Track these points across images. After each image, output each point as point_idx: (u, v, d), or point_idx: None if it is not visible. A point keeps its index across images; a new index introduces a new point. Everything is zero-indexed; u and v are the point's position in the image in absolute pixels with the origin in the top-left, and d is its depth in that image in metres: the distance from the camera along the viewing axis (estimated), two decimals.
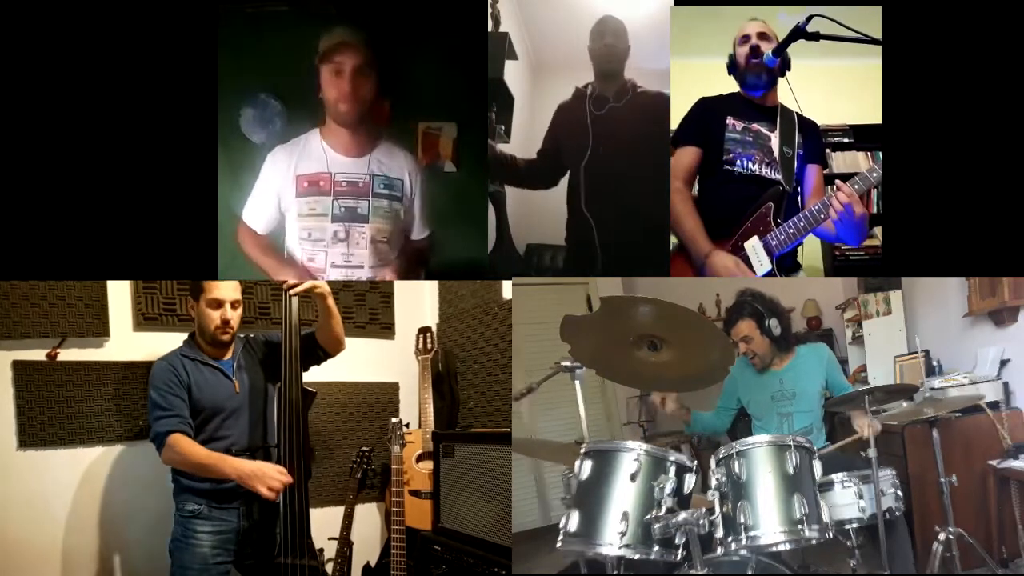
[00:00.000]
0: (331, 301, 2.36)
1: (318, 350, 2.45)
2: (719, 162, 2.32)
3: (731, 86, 2.39)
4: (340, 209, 2.23)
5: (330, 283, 2.32)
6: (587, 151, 2.43)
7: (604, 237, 2.43)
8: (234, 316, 2.33)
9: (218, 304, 2.30)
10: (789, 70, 2.30)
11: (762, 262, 2.24)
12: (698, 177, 2.40)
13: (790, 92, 2.31)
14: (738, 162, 2.31)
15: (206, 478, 2.24)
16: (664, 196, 2.36)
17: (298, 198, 2.23)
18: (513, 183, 2.53)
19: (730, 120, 2.32)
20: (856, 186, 2.13)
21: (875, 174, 2.15)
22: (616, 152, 2.43)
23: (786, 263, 2.31)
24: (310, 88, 2.22)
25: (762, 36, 2.27)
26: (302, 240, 2.25)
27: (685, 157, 2.35)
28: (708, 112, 2.34)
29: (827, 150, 3.03)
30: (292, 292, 2.25)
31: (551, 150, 2.51)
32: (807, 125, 2.38)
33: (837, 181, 2.20)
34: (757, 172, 2.31)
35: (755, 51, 2.26)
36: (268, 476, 2.13)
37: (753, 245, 2.25)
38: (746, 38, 2.29)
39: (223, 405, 2.31)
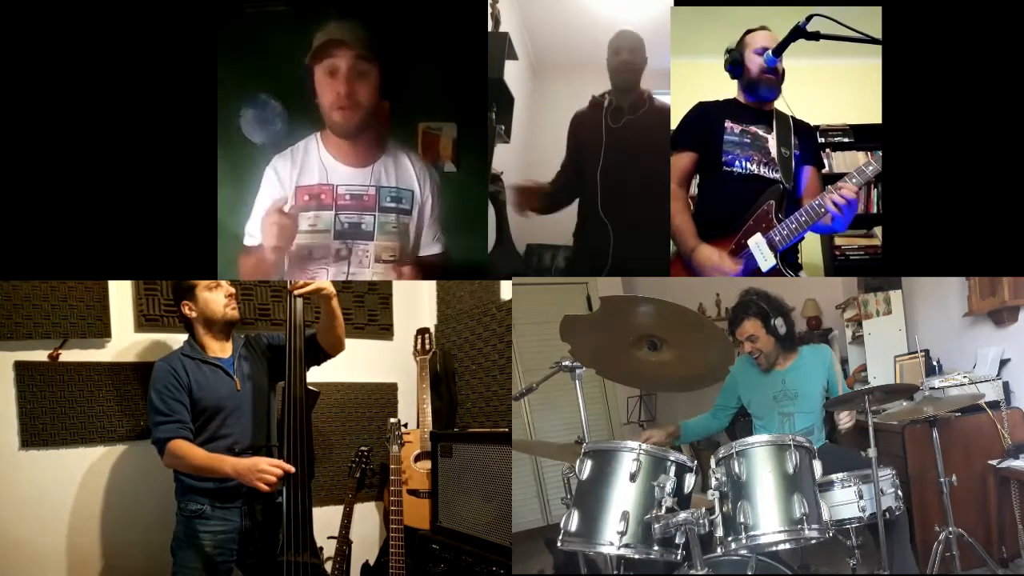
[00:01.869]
0: (336, 303, 2.35)
1: (319, 351, 2.45)
2: (718, 163, 2.34)
3: (730, 85, 2.40)
4: (343, 225, 2.07)
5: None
6: (601, 159, 2.43)
7: (617, 239, 2.44)
8: (233, 292, 2.37)
9: (217, 285, 2.33)
10: (783, 80, 2.32)
11: (766, 258, 2.26)
12: (698, 179, 2.42)
13: (783, 98, 2.34)
14: (736, 163, 2.33)
15: (209, 477, 2.24)
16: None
17: (298, 212, 2.08)
18: (545, 210, 2.52)
19: (728, 123, 2.34)
20: (854, 179, 2.15)
21: (871, 167, 2.16)
22: (630, 159, 2.44)
23: (788, 259, 2.32)
24: (306, 91, 2.13)
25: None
26: (302, 259, 2.10)
27: (681, 161, 2.38)
28: (706, 116, 2.37)
29: (827, 150, 3.04)
30: (298, 293, 2.21)
31: (571, 162, 2.52)
32: (802, 128, 2.40)
33: (837, 183, 2.20)
34: (756, 172, 2.32)
35: (771, 69, 2.28)
36: (263, 470, 2.12)
37: (756, 242, 2.27)
38: (763, 49, 2.29)
39: (224, 403, 2.31)
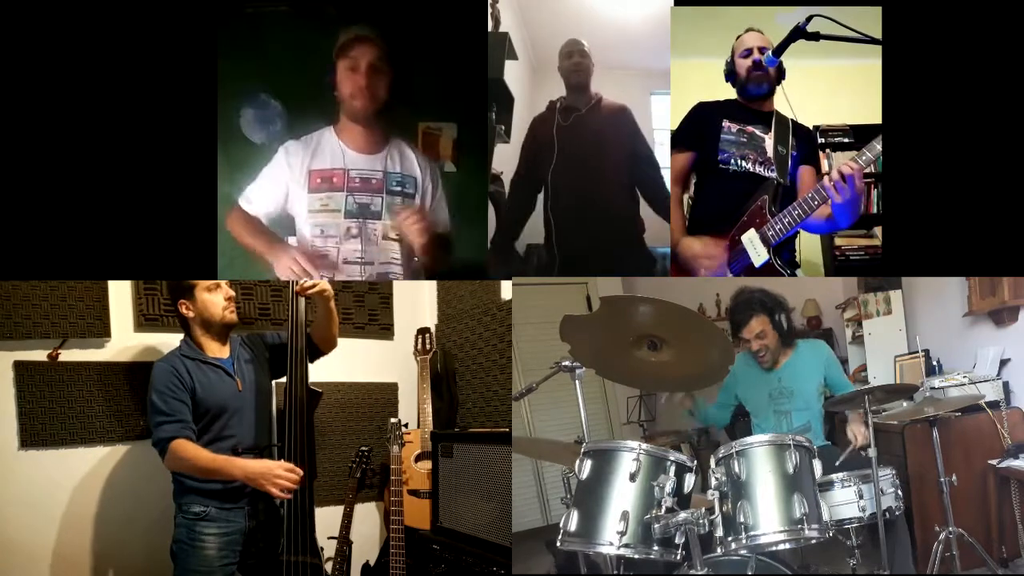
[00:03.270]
0: (333, 303, 2.39)
1: (313, 348, 2.45)
2: (715, 162, 2.36)
3: (729, 88, 2.41)
4: (353, 205, 2.22)
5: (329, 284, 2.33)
6: (554, 158, 2.52)
7: (565, 237, 2.52)
8: (233, 295, 2.38)
9: (216, 287, 2.33)
10: (784, 79, 2.33)
11: (759, 253, 2.26)
12: (695, 178, 2.45)
13: (786, 101, 2.35)
14: (732, 161, 2.35)
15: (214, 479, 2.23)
16: (623, 193, 2.51)
17: (310, 194, 2.22)
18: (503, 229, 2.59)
19: (726, 123, 2.36)
20: (864, 157, 2.10)
21: (877, 148, 2.10)
22: (581, 155, 2.53)
23: (784, 256, 2.33)
24: (311, 88, 2.22)
25: (763, 50, 2.30)
26: (314, 237, 2.23)
27: (679, 161, 2.42)
28: (704, 116, 2.39)
29: (827, 150, 3.04)
30: (307, 293, 2.28)
31: (525, 169, 2.60)
32: (801, 130, 2.41)
33: (841, 163, 2.17)
34: (751, 170, 2.34)
35: (757, 65, 2.30)
36: (277, 476, 2.13)
37: (750, 238, 2.28)
38: (748, 51, 2.32)
39: (227, 404, 2.30)
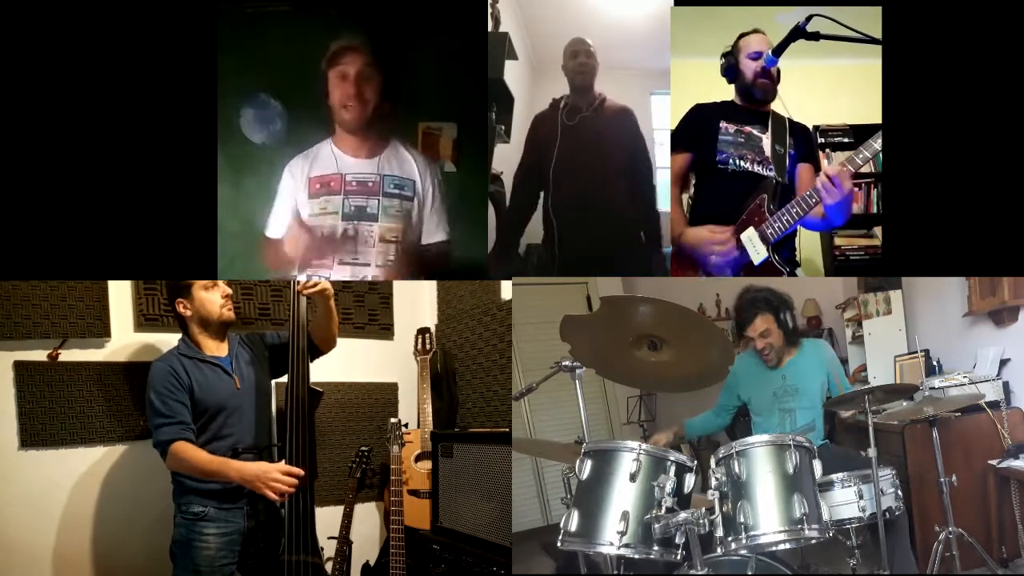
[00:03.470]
0: (333, 302, 2.39)
1: (312, 347, 2.45)
2: (713, 162, 2.36)
3: (728, 88, 2.41)
4: (350, 208, 2.25)
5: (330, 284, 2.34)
6: (556, 156, 2.53)
7: (566, 236, 2.53)
8: (230, 293, 2.39)
9: (213, 285, 2.34)
10: (779, 80, 2.33)
11: (759, 251, 2.27)
12: (694, 178, 2.45)
13: (780, 100, 2.35)
14: (730, 161, 2.35)
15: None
16: (623, 193, 2.52)
17: (310, 200, 2.26)
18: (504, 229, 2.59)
19: (723, 124, 2.36)
20: (861, 155, 2.11)
21: (874, 146, 2.11)
22: (583, 155, 2.54)
23: (783, 254, 2.33)
24: (311, 88, 2.22)
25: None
26: (314, 240, 2.26)
27: (677, 161, 2.43)
28: (702, 117, 2.39)
29: (827, 150, 3.04)
30: (307, 292, 2.29)
31: (527, 164, 2.60)
32: (798, 129, 2.42)
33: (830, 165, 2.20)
34: (750, 169, 2.35)
35: (766, 73, 2.30)
36: (273, 479, 2.13)
37: (749, 236, 2.29)
38: (758, 54, 2.31)
39: (226, 403, 2.30)
